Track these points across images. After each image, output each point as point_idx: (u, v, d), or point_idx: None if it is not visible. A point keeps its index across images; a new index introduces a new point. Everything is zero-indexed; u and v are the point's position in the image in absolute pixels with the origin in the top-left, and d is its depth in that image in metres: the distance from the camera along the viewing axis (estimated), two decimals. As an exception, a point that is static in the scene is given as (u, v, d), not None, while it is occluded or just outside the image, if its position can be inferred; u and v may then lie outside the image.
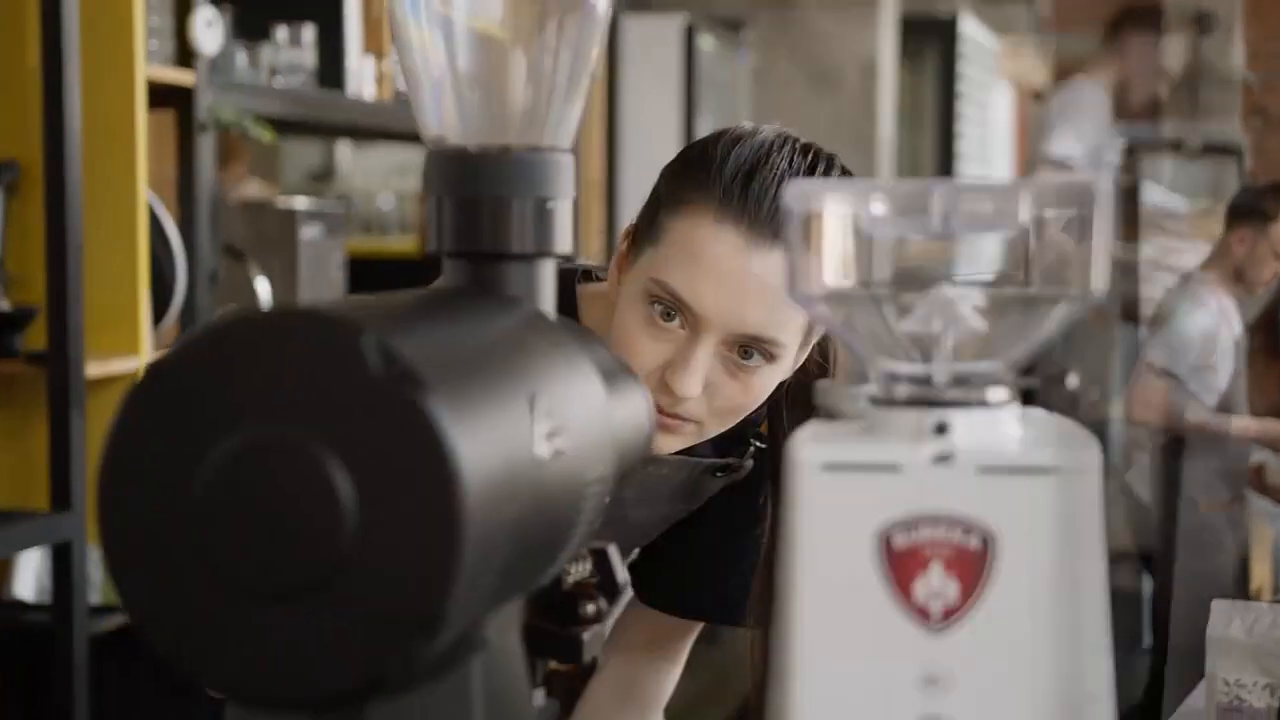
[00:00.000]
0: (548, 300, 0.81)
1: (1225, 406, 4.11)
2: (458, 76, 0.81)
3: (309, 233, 3.14)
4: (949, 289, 0.70)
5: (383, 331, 0.61)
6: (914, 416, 0.68)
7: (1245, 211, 4.04)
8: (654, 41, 5.22)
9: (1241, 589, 4.05)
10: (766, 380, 1.32)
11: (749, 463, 1.49)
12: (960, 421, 0.68)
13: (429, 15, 0.80)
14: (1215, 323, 4.02)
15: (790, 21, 5.92)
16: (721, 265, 1.27)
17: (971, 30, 7.98)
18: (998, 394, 0.70)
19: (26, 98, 2.47)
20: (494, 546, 0.62)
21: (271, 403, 0.61)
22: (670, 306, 1.29)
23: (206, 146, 2.71)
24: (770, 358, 1.30)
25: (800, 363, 1.37)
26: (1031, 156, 4.18)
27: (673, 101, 5.23)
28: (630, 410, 0.83)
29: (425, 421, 0.60)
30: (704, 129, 5.79)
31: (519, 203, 0.79)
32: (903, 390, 0.70)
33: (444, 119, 0.82)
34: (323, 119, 3.38)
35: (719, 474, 1.48)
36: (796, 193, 0.70)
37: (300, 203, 3.24)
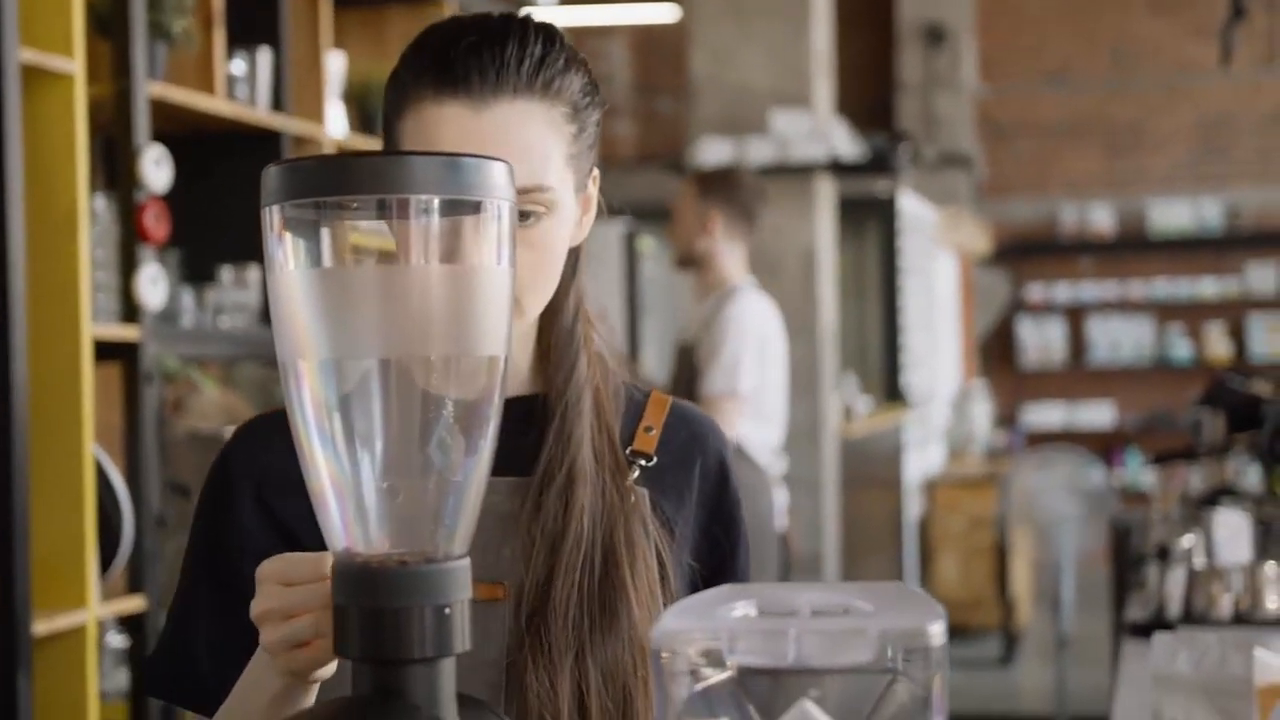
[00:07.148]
0: (447, 697, 0.87)
1: None
2: (360, 496, 0.88)
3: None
4: (810, 706, 0.77)
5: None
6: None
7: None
8: (595, 246, 5.33)
9: None
10: (552, 235, 1.27)
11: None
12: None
13: (331, 444, 0.88)
14: None
15: (730, 215, 6.04)
16: (450, 138, 1.22)
17: (911, 206, 8.17)
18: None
19: (-26, 359, 2.52)
20: None
21: None
22: None
23: (152, 396, 2.77)
24: (545, 207, 1.25)
25: (589, 211, 1.34)
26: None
27: (616, 303, 5.35)
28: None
29: None
30: (648, 326, 5.91)
31: (418, 611, 0.86)
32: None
33: (349, 533, 0.89)
34: (268, 355, 3.46)
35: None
36: (663, 630, 0.76)
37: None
